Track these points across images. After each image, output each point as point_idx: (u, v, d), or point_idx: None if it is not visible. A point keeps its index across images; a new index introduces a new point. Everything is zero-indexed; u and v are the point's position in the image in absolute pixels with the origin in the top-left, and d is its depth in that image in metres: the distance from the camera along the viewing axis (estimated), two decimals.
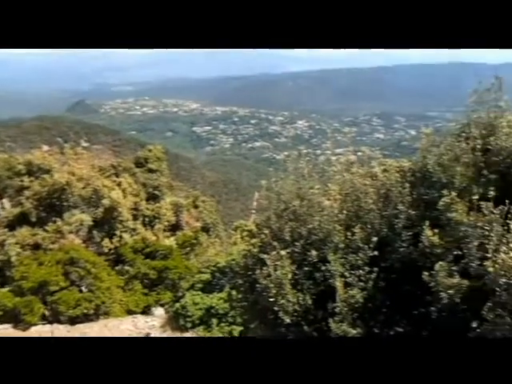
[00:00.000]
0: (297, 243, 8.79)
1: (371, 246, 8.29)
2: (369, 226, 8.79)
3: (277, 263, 8.27)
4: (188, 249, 38.98)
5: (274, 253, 8.42)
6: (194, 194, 54.77)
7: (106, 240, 36.51)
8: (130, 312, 29.07)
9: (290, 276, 8.24)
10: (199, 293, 25.30)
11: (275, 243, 8.66)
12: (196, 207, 48.33)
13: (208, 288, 26.41)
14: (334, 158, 11.54)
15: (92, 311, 27.25)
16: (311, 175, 9.67)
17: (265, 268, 8.40)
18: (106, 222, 37.54)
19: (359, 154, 10.91)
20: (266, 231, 9.02)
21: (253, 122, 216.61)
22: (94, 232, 36.81)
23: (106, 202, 36.88)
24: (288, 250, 8.57)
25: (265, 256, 8.50)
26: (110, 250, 36.29)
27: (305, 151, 12.43)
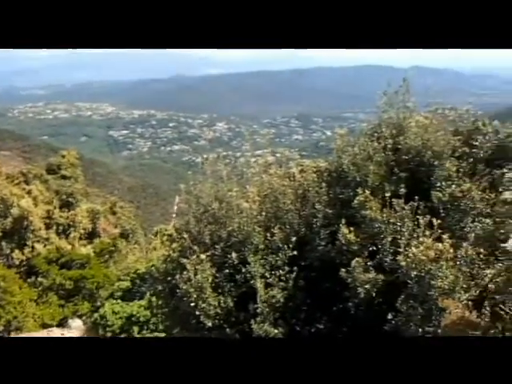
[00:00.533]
0: (217, 246, 8.68)
1: (290, 245, 8.36)
2: (288, 227, 8.87)
3: (197, 267, 8.10)
4: (106, 256, 37.58)
5: (194, 257, 8.25)
6: (112, 199, 53.01)
7: (17, 251, 34.27)
8: (45, 326, 27.43)
9: (210, 279, 8.10)
10: (119, 301, 24.41)
11: (195, 247, 8.49)
12: (114, 213, 46.78)
13: (128, 296, 25.55)
14: (253, 159, 11.59)
15: (1, 327, 25.42)
16: (230, 178, 9.60)
17: (185, 272, 8.21)
18: (16, 233, 35.26)
19: (278, 155, 11.01)
20: (186, 235, 8.81)
21: (171, 125, 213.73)
22: (3, 243, 34.44)
23: (14, 211, 34.63)
24: (208, 254, 8.44)
25: (185, 260, 8.29)
26: (21, 261, 34.11)
27: (224, 153, 12.32)
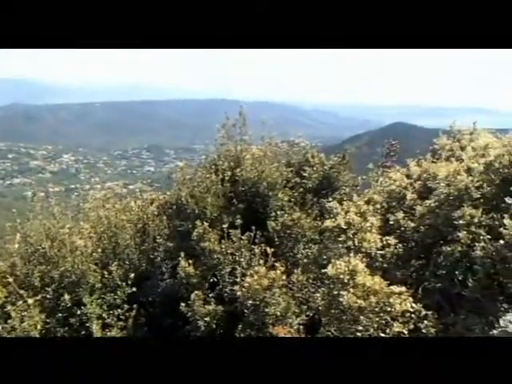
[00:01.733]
0: (48, 288, 8.01)
1: (130, 282, 8.06)
2: (127, 262, 8.57)
3: (23, 314, 7.37)
4: None
5: (21, 302, 7.50)
6: None
7: None
8: None
9: (39, 326, 7.42)
10: None
11: (22, 291, 7.73)
12: None
13: None
14: (94, 192, 11.03)
15: None
16: (64, 213, 9.02)
17: (10, 321, 7.42)
18: None
19: (131, 187, 10.64)
20: (11, 279, 7.99)
21: (10, 156, 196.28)
22: None
23: None
24: (37, 298, 7.74)
25: (9, 307, 7.50)
26: None
27: (72, 186, 11.55)
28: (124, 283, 8.03)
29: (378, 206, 10.21)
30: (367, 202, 10.78)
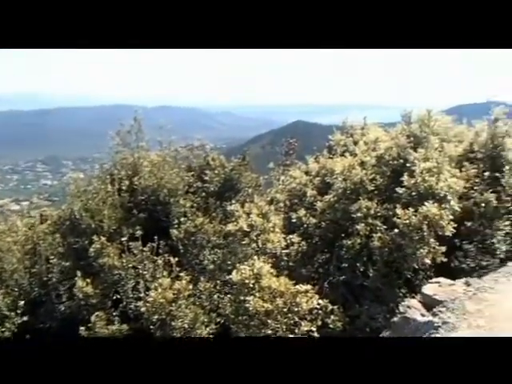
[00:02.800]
0: None
1: (19, 311, 7.35)
2: (16, 289, 7.81)
3: None
4: None
5: None
6: None
7: None
8: None
9: None
10: None
11: None
12: None
13: None
14: None
15: None
16: None
17: None
18: None
19: (24, 203, 9.73)
20: None
21: None
22: None
23: None
24: None
25: None
26: None
27: None
28: (13, 313, 7.29)
29: (282, 204, 10.29)
30: (270, 202, 10.83)
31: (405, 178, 7.49)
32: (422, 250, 6.62)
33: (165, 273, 7.67)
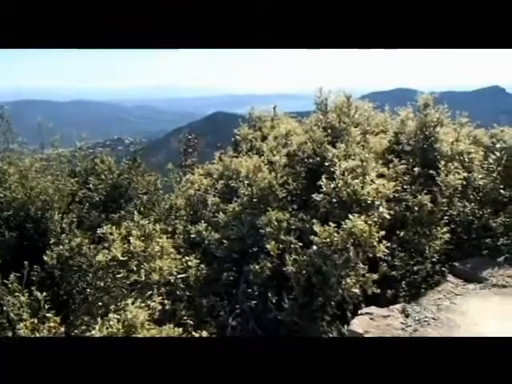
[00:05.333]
0: None
1: None
2: None
3: None
4: None
5: None
6: None
7: None
8: None
9: None
10: None
11: None
12: None
13: None
14: None
15: None
16: None
17: None
18: None
19: None
20: None
21: None
22: None
23: None
24: None
25: None
26: None
27: None
28: None
29: (183, 212, 8.51)
30: (169, 210, 9.02)
31: (323, 181, 5.97)
32: (348, 280, 5.10)
33: (30, 311, 5.71)
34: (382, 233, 5.27)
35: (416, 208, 6.33)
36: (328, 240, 5.23)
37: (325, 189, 5.88)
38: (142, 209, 9.06)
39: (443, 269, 6.35)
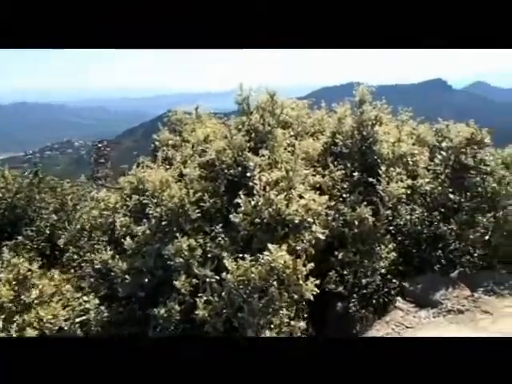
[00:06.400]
0: None
1: None
2: None
3: None
4: None
5: None
6: None
7: None
8: None
9: None
10: None
11: None
12: None
13: None
14: None
15: None
16: None
17: None
18: None
19: None
20: None
21: None
22: None
23: None
24: None
25: None
26: None
27: None
28: None
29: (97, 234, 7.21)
30: (80, 232, 7.70)
31: (241, 197, 4.86)
32: (267, 332, 4.01)
33: None
34: (310, 266, 4.20)
35: (356, 223, 5.32)
36: (243, 277, 4.12)
37: (243, 207, 4.78)
38: (47, 231, 7.71)
39: (391, 294, 5.39)
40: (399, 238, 6.20)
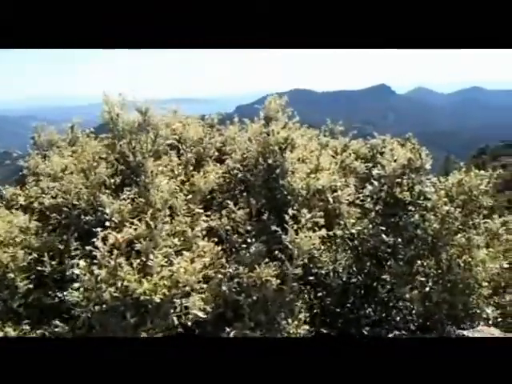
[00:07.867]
0: None
1: None
2: None
3: None
4: None
5: None
6: None
7: None
8: None
9: None
10: None
11: None
12: None
13: None
14: None
15: None
16: None
17: None
18: None
19: None
20: None
21: None
22: None
23: None
24: None
25: None
26: None
27: None
28: None
29: None
30: None
31: (79, 266, 3.33)
32: None
33: None
34: None
35: (255, 287, 3.88)
36: None
37: (79, 283, 3.24)
38: None
39: None
40: (319, 294, 4.84)
